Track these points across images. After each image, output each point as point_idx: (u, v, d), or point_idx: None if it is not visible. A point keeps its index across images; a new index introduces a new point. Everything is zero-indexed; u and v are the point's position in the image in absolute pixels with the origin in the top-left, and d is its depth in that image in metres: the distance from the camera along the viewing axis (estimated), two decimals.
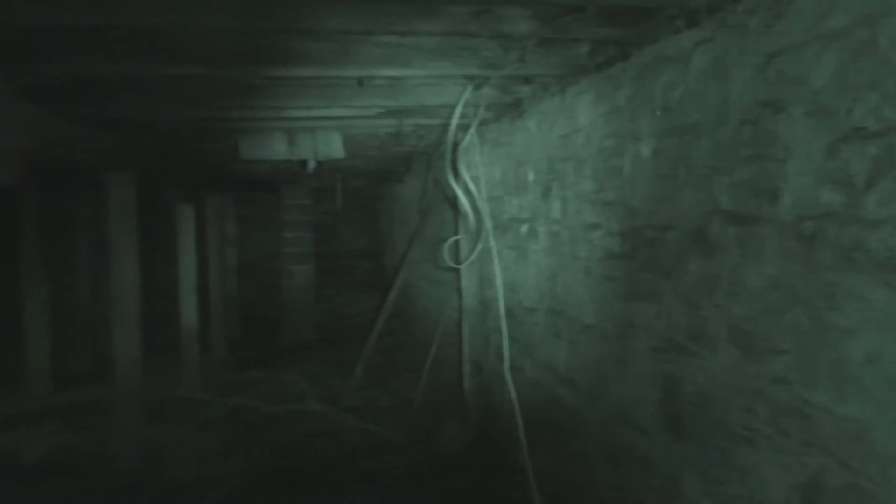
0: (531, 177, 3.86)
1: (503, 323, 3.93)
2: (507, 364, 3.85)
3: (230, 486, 4.27)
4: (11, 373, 6.43)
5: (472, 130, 4.12)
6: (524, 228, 3.98)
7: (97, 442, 5.13)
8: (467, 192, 4.17)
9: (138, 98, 3.25)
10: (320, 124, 4.49)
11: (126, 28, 2.23)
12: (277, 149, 4.58)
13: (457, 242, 4.83)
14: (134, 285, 4.43)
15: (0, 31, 2.28)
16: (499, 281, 4.00)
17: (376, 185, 10.08)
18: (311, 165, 4.92)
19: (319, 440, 5.20)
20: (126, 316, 4.41)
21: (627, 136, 2.74)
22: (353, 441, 5.16)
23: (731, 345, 2.07)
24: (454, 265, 4.77)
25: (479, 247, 4.38)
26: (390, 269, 9.18)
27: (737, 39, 2.03)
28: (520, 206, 4.04)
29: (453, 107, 3.84)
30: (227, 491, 4.20)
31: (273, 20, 2.29)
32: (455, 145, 4.06)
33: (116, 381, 4.44)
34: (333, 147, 4.68)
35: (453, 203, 5.06)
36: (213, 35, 2.46)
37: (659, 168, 2.49)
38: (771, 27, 1.88)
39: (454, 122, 3.81)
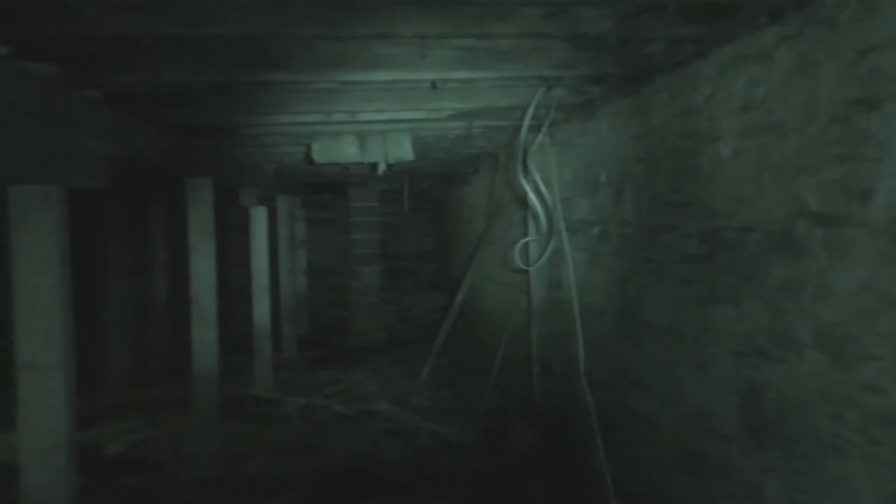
0: (602, 178, 3.82)
1: (578, 325, 3.90)
2: (582, 367, 3.82)
3: (304, 484, 4.35)
4: (93, 371, 6.69)
5: (542, 132, 4.10)
6: (595, 230, 3.94)
7: (175, 438, 5.30)
8: (537, 193, 4.16)
9: (219, 104, 3.34)
10: (391, 127, 4.54)
11: (214, 37, 2.30)
12: (349, 152, 4.65)
13: (526, 244, 4.82)
14: (211, 286, 4.56)
15: (90, 40, 2.39)
16: (572, 283, 3.98)
17: (442, 187, 10.13)
18: (382, 168, 4.97)
19: (389, 440, 5.25)
20: (204, 316, 4.54)
21: (705, 135, 2.69)
22: (422, 442, 5.19)
23: (819, 350, 2.02)
24: (524, 267, 4.75)
25: (550, 249, 4.36)
26: (455, 270, 9.22)
27: (825, 35, 1.97)
28: (591, 207, 4.01)
29: (524, 108, 3.83)
30: (302, 489, 4.27)
31: (354, 26, 2.33)
32: (525, 147, 4.05)
33: (194, 379, 4.57)
34: (403, 150, 4.73)
35: (522, 205, 5.05)
36: (297, 42, 2.52)
37: (740, 168, 2.44)
38: (863, 22, 1.82)
39: (525, 123, 3.81)
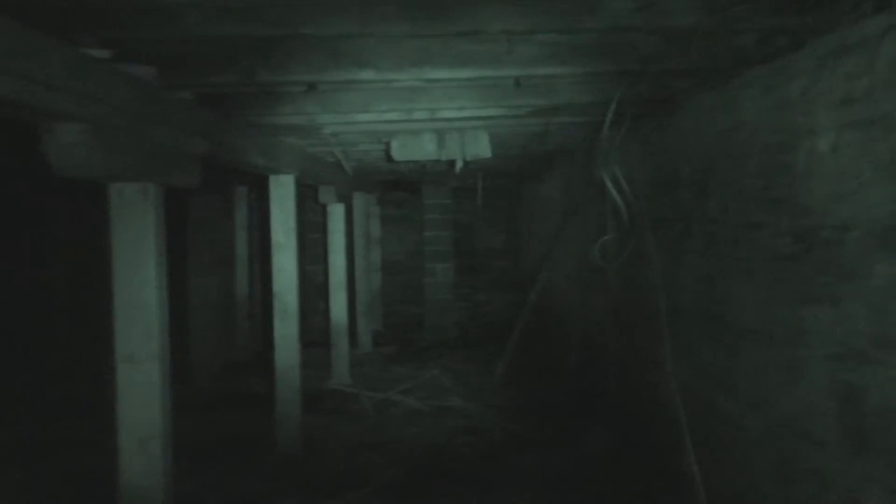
0: (685, 174, 3.74)
1: (663, 325, 3.83)
2: (669, 367, 3.75)
3: (383, 478, 4.40)
4: (178, 363, 6.91)
5: (623, 127, 4.04)
6: (677, 227, 3.86)
7: (258, 429, 5.43)
8: (617, 190, 4.10)
9: (306, 104, 3.41)
10: (469, 124, 4.54)
11: (305, 38, 2.34)
12: (427, 149, 4.68)
13: (605, 242, 4.76)
14: (293, 282, 4.66)
15: (187, 43, 2.47)
16: (654, 282, 3.91)
17: (515, 184, 10.09)
18: (459, 165, 4.99)
19: (464, 437, 5.26)
20: (286, 311, 4.64)
21: (800, 130, 2.59)
22: (498, 439, 5.19)
23: None
24: (604, 265, 4.69)
25: (630, 246, 4.29)
26: (528, 267, 9.17)
27: None
28: (672, 204, 3.92)
29: (605, 103, 3.78)
30: (380, 483, 4.32)
31: (441, 24, 2.34)
32: (606, 143, 3.99)
33: (276, 372, 4.68)
34: (481, 147, 4.72)
35: (600, 201, 4.99)
36: (384, 41, 2.55)
37: (839, 163, 2.35)
38: None
39: (607, 119, 3.76)
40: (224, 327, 7.69)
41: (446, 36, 2.55)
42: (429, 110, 3.92)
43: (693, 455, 3.48)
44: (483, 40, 2.59)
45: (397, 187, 9.66)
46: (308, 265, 9.40)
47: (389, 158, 4.82)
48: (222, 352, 7.48)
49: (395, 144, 4.66)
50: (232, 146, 3.42)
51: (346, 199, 6.70)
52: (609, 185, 4.01)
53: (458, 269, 10.16)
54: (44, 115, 2.06)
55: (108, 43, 2.23)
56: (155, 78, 2.57)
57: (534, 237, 8.89)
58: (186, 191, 6.17)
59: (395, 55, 2.75)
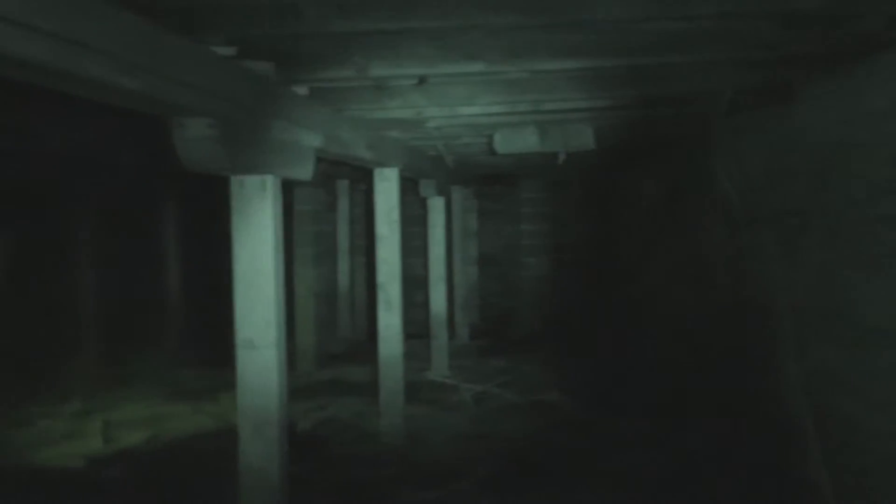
0: (802, 165, 3.58)
1: (781, 324, 3.69)
2: (791, 368, 3.61)
3: (483, 471, 4.42)
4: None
5: (736, 117, 3.90)
6: (793, 221, 3.70)
7: (359, 417, 5.56)
8: (729, 181, 3.96)
9: (414, 97, 3.45)
10: (572, 116, 4.49)
11: (417, 31, 2.37)
12: (530, 142, 4.66)
13: (710, 235, 4.61)
14: (397, 273, 4.73)
15: (304, 39, 2.54)
16: (768, 277, 3.76)
17: (613, 176, 9.90)
18: (562, 158, 4.94)
19: (561, 432, 5.21)
20: (390, 302, 4.72)
21: None
22: (596, 435, 5.11)
23: None
24: (710, 259, 4.55)
25: (739, 241, 4.15)
26: (626, 261, 8.99)
27: None
28: (788, 196, 3.76)
29: (717, 93, 3.66)
30: (479, 475, 4.34)
31: (550, 14, 2.32)
32: (716, 133, 3.87)
33: (380, 362, 4.76)
34: (584, 139, 4.67)
35: (706, 194, 4.84)
36: (492, 33, 2.54)
37: None
38: None
39: (719, 109, 3.64)
40: (326, 317, 7.89)
41: (555, 26, 2.52)
42: (532, 102, 3.90)
43: (821, 460, 3.33)
44: (593, 30, 2.55)
45: (494, 181, 9.65)
46: (406, 258, 9.52)
47: (492, 151, 4.82)
48: (324, 341, 7.68)
49: (497, 137, 4.66)
50: (342, 140, 3.50)
51: (445, 193, 6.75)
52: (722, 176, 3.88)
53: (553, 262, 10.08)
54: (174, 111, 2.16)
55: (232, 41, 2.32)
56: (273, 73, 2.65)
57: (633, 231, 8.71)
58: (295, 184, 6.38)
59: (503, 47, 2.74)
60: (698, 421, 4.95)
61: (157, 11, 1.97)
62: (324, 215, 7.76)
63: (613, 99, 3.90)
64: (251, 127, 2.48)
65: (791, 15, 2.54)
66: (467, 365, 7.43)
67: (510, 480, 4.29)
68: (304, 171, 2.99)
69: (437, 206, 6.61)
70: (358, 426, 5.36)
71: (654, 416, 5.40)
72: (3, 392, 5.69)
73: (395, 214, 4.72)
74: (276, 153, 2.68)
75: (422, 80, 2.98)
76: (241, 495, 2.71)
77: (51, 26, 1.50)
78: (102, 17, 1.66)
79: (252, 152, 2.50)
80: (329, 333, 7.98)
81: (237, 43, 2.33)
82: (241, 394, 2.70)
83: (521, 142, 4.65)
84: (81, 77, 1.65)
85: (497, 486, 4.21)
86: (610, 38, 2.72)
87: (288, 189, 6.91)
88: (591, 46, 2.79)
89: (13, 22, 1.41)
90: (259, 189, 2.66)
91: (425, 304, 7.18)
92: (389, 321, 4.74)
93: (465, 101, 3.53)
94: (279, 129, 2.70)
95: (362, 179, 7.78)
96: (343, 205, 8.39)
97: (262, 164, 2.58)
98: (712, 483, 4.11)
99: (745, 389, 4.42)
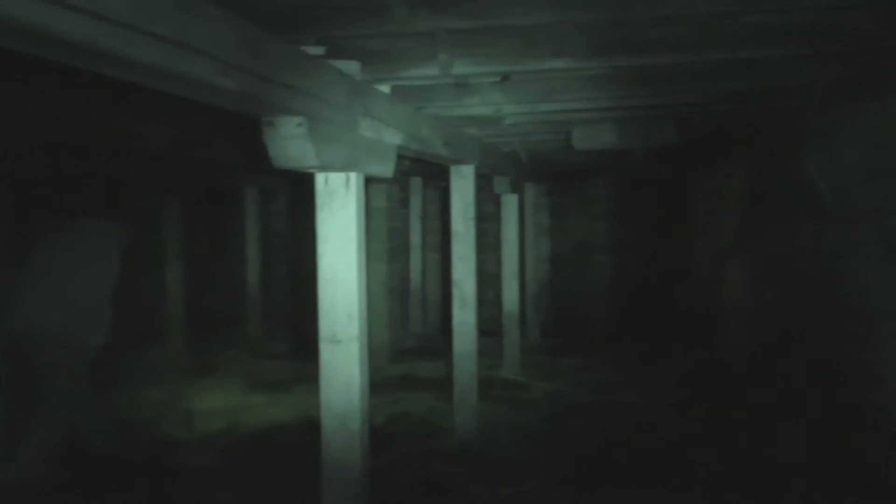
0: None
1: (885, 327, 3.54)
2: (891, 373, 3.47)
3: (556, 469, 4.40)
4: None
5: (828, 111, 3.76)
6: (894, 220, 3.54)
7: (431, 413, 5.60)
8: (819, 179, 3.83)
9: (492, 94, 3.45)
10: (653, 112, 4.41)
11: (503, 28, 2.36)
12: (608, 138, 4.60)
13: (801, 233, 4.46)
14: (471, 270, 4.74)
15: (390, 38, 2.57)
16: (869, 279, 3.62)
17: (691, 173, 9.68)
18: (640, 154, 4.86)
19: (634, 432, 5.14)
20: (464, 299, 4.73)
21: None
22: (669, 435, 5.02)
23: None
24: (799, 258, 4.41)
25: (833, 241, 4.00)
26: (703, 261, 8.78)
27: None
28: (887, 194, 3.60)
29: (808, 86, 3.54)
30: (554, 474, 4.32)
31: (642, 9, 2.29)
32: (806, 128, 3.74)
33: (454, 358, 4.78)
34: (665, 135, 4.59)
35: (797, 191, 4.68)
36: (577, 29, 2.52)
37: None
38: None
39: (811, 102, 3.52)
40: (398, 313, 7.97)
41: (646, 21, 2.48)
42: (613, 98, 3.84)
43: None
44: (686, 24, 2.50)
45: (568, 178, 9.57)
46: (477, 254, 9.52)
47: (569, 148, 4.78)
48: (396, 336, 7.75)
49: (576, 133, 4.62)
50: (421, 137, 3.52)
51: (518, 190, 6.72)
52: (813, 173, 3.75)
53: (627, 261, 9.93)
54: (267, 110, 2.20)
55: (321, 40, 2.36)
56: (358, 72, 2.68)
57: (709, 229, 8.50)
58: (369, 180, 6.45)
59: (589, 43, 2.71)
60: (780, 424, 4.80)
61: (252, 12, 2.01)
62: (397, 212, 7.83)
63: (698, 94, 3.81)
64: (338, 125, 2.51)
65: (890, 5, 2.44)
66: (538, 363, 7.39)
67: (583, 479, 4.25)
68: (386, 168, 3.02)
69: (510, 203, 6.59)
70: (431, 422, 5.39)
71: (730, 416, 5.27)
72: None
73: (471, 211, 4.73)
74: (360, 150, 2.72)
75: (505, 77, 2.97)
76: (324, 486, 2.76)
77: (160, 29, 1.55)
78: (207, 19, 1.71)
79: (338, 149, 2.53)
80: (401, 329, 8.05)
81: (326, 43, 2.37)
82: (325, 387, 2.75)
83: (599, 138, 4.60)
84: (184, 77, 1.70)
85: (570, 484, 4.18)
86: (701, 32, 2.66)
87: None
88: (680, 41, 2.73)
89: (125, 25, 1.46)
90: (343, 185, 2.70)
91: (496, 301, 7.17)
92: (464, 318, 4.75)
93: (545, 98, 3.51)
94: (364, 127, 2.74)
95: (434, 176, 7.82)
96: (416, 202, 8.46)
97: (347, 161, 2.61)
98: (789, 488, 3.99)
99: (835, 395, 4.26)
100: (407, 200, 8.42)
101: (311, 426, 5.30)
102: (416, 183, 8.40)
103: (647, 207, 9.93)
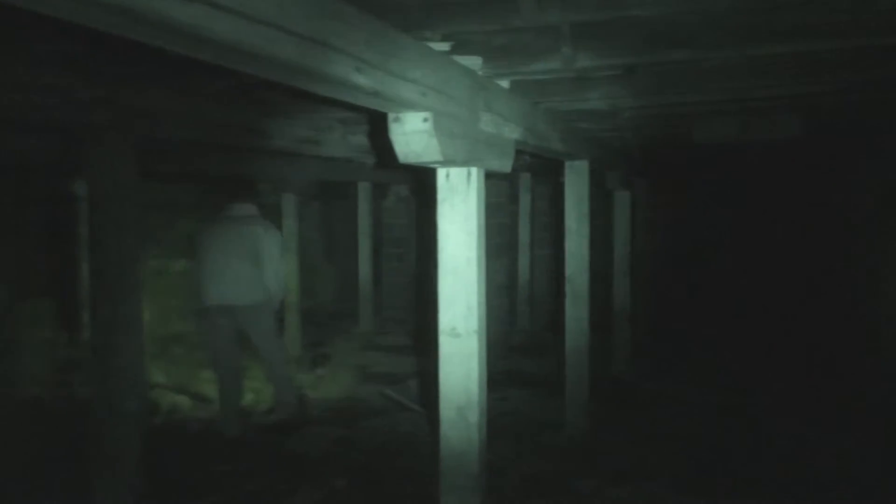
0: None
1: None
2: None
3: (668, 470, 4.30)
4: None
5: None
6: None
7: (540, 409, 5.57)
8: None
9: (611, 88, 3.39)
10: (777, 104, 4.22)
11: (631, 20, 2.32)
12: (729, 131, 4.45)
13: None
14: (585, 266, 4.68)
15: (510, 32, 2.56)
16: None
17: (815, 168, 9.22)
18: (763, 146, 4.67)
19: (753, 435, 4.95)
20: (577, 295, 4.68)
21: None
22: (785, 439, 4.80)
23: None
24: None
25: None
26: (828, 259, 8.35)
27: None
28: None
29: None
30: (667, 476, 4.22)
31: None
32: None
33: (567, 355, 4.74)
34: (791, 127, 4.38)
35: None
36: (705, 19, 2.45)
37: None
38: None
39: None
40: (506, 308, 7.97)
41: (780, 7, 2.38)
42: (732, 90, 3.70)
43: None
44: (822, 9, 2.38)
45: (677, 173, 9.30)
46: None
47: (689, 141, 4.64)
48: (504, 332, 7.75)
49: (696, 126, 4.48)
50: (538, 132, 3.50)
51: (630, 186, 6.58)
52: None
53: (740, 258, 9.57)
54: (395, 106, 2.25)
55: (447, 36, 2.39)
56: (480, 67, 2.70)
57: (838, 224, 8.06)
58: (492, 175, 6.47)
59: (717, 33, 2.62)
60: None
61: (382, 9, 2.05)
62: (506, 208, 7.82)
63: (828, 84, 3.61)
64: (460, 120, 2.54)
65: None
66: (648, 361, 7.22)
67: (695, 483, 4.14)
68: (505, 163, 3.03)
69: (622, 199, 6.47)
70: (540, 418, 5.36)
71: (862, 422, 5.00)
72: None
73: (585, 207, 4.67)
74: (481, 145, 2.73)
75: (630, 69, 2.92)
76: (442, 477, 2.79)
77: (300, 28, 1.61)
78: (343, 17, 1.76)
79: (460, 144, 2.55)
80: (508, 325, 8.05)
81: (452, 38, 2.40)
82: (444, 380, 2.78)
83: (720, 130, 4.45)
84: (321, 75, 1.75)
85: (684, 487, 4.08)
86: (840, 17, 2.52)
87: None
88: (817, 28, 2.60)
89: (267, 23, 1.52)
90: (464, 180, 2.72)
91: (603, 298, 7.03)
92: (576, 314, 4.70)
93: (666, 90, 3.41)
94: (484, 122, 2.75)
95: (544, 172, 7.76)
96: (525, 198, 8.43)
97: (469, 156, 2.63)
98: None
99: None
100: (516, 197, 8.40)
101: (413, 417, 5.40)
102: (525, 179, 8.37)
103: (765, 202, 9.54)
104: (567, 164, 4.64)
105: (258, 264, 4.87)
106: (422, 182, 8.46)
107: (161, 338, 6.65)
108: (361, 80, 1.89)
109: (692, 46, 2.75)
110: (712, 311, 9.39)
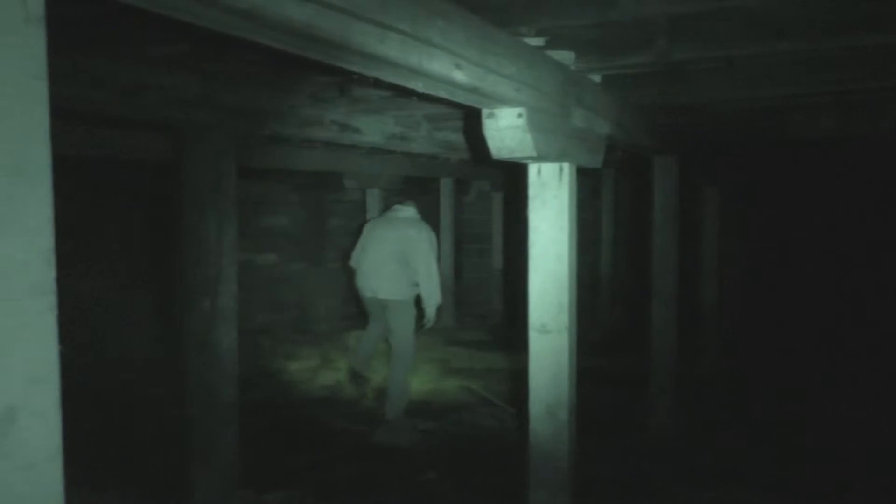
0: None
1: None
2: None
3: (762, 474, 4.18)
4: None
5: None
6: None
7: (624, 409, 5.48)
8: None
9: (703, 81, 3.31)
10: (879, 97, 4.04)
11: (730, 10, 2.26)
12: (827, 125, 4.28)
13: None
14: (673, 264, 4.59)
15: (605, 26, 2.53)
16: None
17: None
18: (863, 141, 4.47)
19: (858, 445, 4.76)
20: (664, 293, 4.60)
21: None
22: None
23: None
24: None
25: None
26: None
27: None
28: None
29: None
30: (760, 480, 4.11)
31: None
32: None
33: (653, 353, 4.66)
34: (892, 121, 4.19)
35: None
36: (813, 8, 2.36)
37: None
38: None
39: None
40: (587, 305, 7.89)
41: None
42: (836, 82, 3.55)
43: None
44: None
45: (765, 168, 9.00)
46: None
47: (783, 135, 4.49)
48: (586, 330, 7.68)
49: (792, 120, 4.34)
50: (627, 127, 3.45)
51: (718, 182, 6.40)
52: None
53: (835, 255, 9.18)
54: (490, 102, 2.26)
55: (541, 31, 2.38)
56: (573, 62, 2.68)
57: None
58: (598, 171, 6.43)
59: (821, 22, 2.52)
60: None
61: (478, 5, 2.06)
62: (588, 203, 7.74)
63: None
64: (553, 115, 2.53)
65: None
66: (736, 361, 7.02)
67: (787, 485, 4.01)
68: (596, 158, 3.00)
69: (711, 195, 6.30)
70: (624, 417, 5.28)
71: None
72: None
73: (673, 204, 4.58)
74: (573, 141, 2.71)
75: (729, 62, 2.84)
76: (531, 474, 2.79)
77: (404, 25, 1.63)
78: (444, 14, 1.78)
79: (553, 140, 2.54)
80: (590, 322, 7.96)
81: (546, 33, 2.39)
82: (533, 376, 2.78)
83: (818, 124, 4.28)
84: (422, 72, 1.78)
85: (774, 489, 3.97)
86: None
87: None
88: None
89: (373, 21, 1.55)
90: (556, 176, 2.71)
91: (690, 296, 6.86)
92: (663, 313, 4.62)
93: (763, 83, 3.31)
94: (577, 118, 2.73)
95: (628, 168, 7.63)
96: (607, 194, 8.32)
97: (562, 151, 2.62)
98: None
99: None
100: (598, 192, 8.30)
101: (498, 413, 5.41)
102: (608, 175, 8.25)
103: (864, 198, 9.12)
104: (655, 159, 4.56)
105: (407, 264, 5.15)
106: (506, 178, 8.46)
107: (248, 330, 6.86)
108: (460, 76, 1.90)
109: (793, 37, 2.66)
110: (803, 311, 9.05)
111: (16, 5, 0.86)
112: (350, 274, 5.55)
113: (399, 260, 5.14)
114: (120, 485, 3.91)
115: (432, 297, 5.16)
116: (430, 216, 9.16)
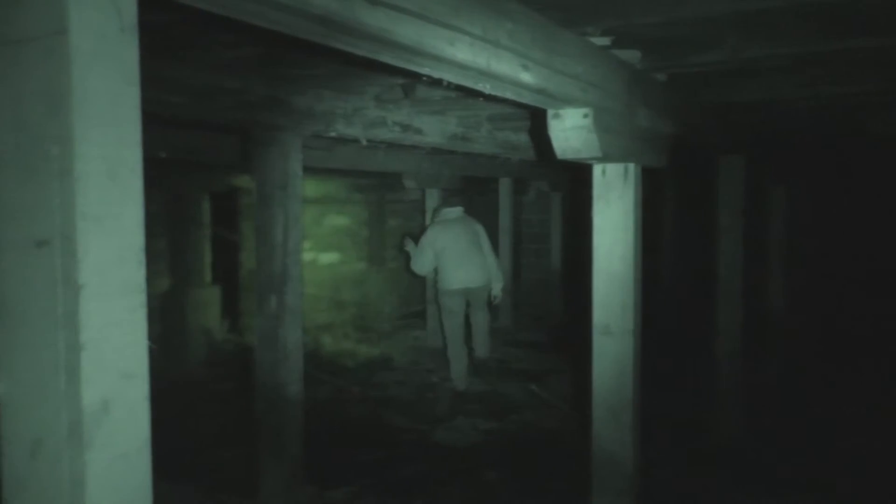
0: None
1: None
2: None
3: (826, 484, 4.07)
4: None
5: None
6: None
7: (686, 413, 5.38)
8: None
9: (776, 79, 3.24)
10: None
11: (804, 6, 2.20)
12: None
13: None
14: (738, 263, 4.49)
15: (671, 24, 2.50)
16: None
17: None
18: None
19: None
20: (730, 298, 4.50)
21: None
22: None
23: None
24: None
25: None
26: None
27: None
28: None
29: None
30: (824, 490, 4.00)
31: None
32: None
33: (719, 358, 4.57)
34: None
35: None
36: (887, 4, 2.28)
37: None
38: None
39: None
40: (647, 308, 7.79)
41: None
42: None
43: None
44: None
45: (838, 168, 8.71)
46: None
47: (860, 134, 4.35)
48: (645, 330, 7.58)
49: (871, 118, 4.21)
50: (693, 126, 3.41)
51: (787, 182, 6.25)
52: None
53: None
54: (556, 102, 2.25)
55: (607, 31, 2.36)
56: (638, 61, 2.65)
57: None
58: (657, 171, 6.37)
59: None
60: None
61: (544, 5, 2.06)
62: (647, 204, 7.65)
63: None
64: (619, 115, 2.51)
65: None
66: (802, 367, 6.83)
67: (853, 497, 3.89)
68: (661, 158, 2.97)
69: (777, 196, 6.14)
70: (687, 422, 5.19)
71: None
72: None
73: (739, 205, 4.48)
74: (637, 141, 2.69)
75: (800, 59, 2.77)
76: (594, 476, 2.78)
77: (474, 28, 1.65)
78: (511, 16, 1.79)
79: (619, 140, 2.53)
80: (648, 324, 7.85)
81: (612, 33, 2.37)
82: (597, 378, 2.76)
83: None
84: (490, 74, 1.79)
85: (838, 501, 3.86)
86: None
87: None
88: None
89: (444, 25, 1.57)
90: (620, 176, 2.69)
91: (756, 299, 6.70)
92: (728, 317, 4.52)
93: (839, 80, 3.21)
94: (642, 117, 2.71)
95: (689, 168, 7.49)
96: (669, 193, 8.19)
97: (627, 151, 2.60)
98: None
99: None
100: (659, 191, 8.18)
101: (558, 414, 5.38)
102: (668, 174, 8.13)
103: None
104: (721, 158, 4.47)
105: (481, 253, 6.10)
106: (566, 178, 8.40)
107: (311, 328, 6.98)
108: (527, 77, 1.91)
109: (872, 33, 2.58)
110: (873, 316, 8.74)
111: (112, 16, 0.90)
112: (413, 278, 6.13)
113: (478, 251, 6.06)
114: (189, 478, 4.03)
115: (500, 279, 6.26)
116: (488, 216, 9.19)
